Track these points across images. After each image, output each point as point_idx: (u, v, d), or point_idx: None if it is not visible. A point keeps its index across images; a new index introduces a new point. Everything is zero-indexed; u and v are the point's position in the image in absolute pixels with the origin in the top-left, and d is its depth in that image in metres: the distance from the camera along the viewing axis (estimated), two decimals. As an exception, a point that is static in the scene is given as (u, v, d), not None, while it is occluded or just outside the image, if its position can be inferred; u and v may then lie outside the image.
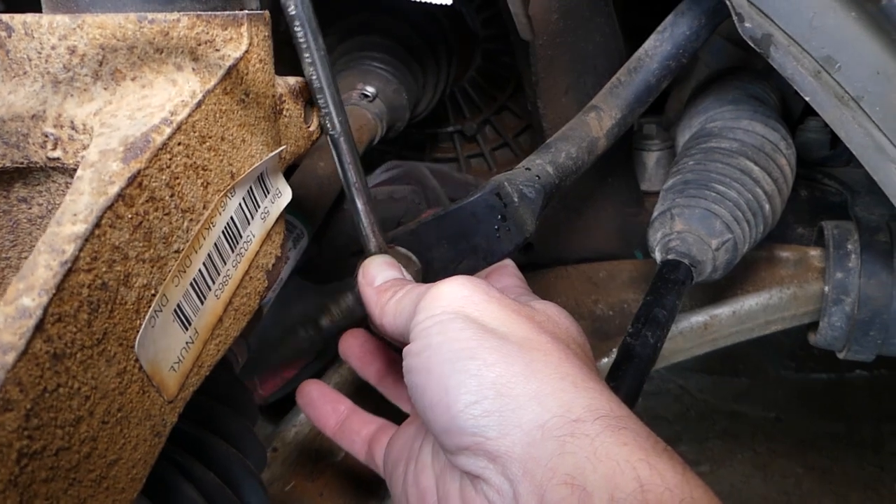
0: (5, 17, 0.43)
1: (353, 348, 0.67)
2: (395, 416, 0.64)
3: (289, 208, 0.54)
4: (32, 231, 0.48)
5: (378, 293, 0.54)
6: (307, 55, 0.48)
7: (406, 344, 0.50)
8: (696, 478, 0.41)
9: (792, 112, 1.04)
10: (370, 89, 0.92)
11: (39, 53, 0.43)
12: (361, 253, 0.60)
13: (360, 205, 0.56)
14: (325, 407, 0.65)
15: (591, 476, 0.39)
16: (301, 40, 0.47)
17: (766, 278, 0.91)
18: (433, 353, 0.46)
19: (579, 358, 0.47)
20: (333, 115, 0.51)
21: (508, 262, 0.64)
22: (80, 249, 0.35)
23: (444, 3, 0.60)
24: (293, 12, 0.46)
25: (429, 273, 0.63)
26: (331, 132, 0.52)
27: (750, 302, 0.90)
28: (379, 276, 0.56)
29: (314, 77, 0.49)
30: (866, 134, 0.63)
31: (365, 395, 0.69)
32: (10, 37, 0.43)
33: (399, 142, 1.29)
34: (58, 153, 0.43)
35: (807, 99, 0.64)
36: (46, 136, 0.43)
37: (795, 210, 0.97)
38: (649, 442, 0.42)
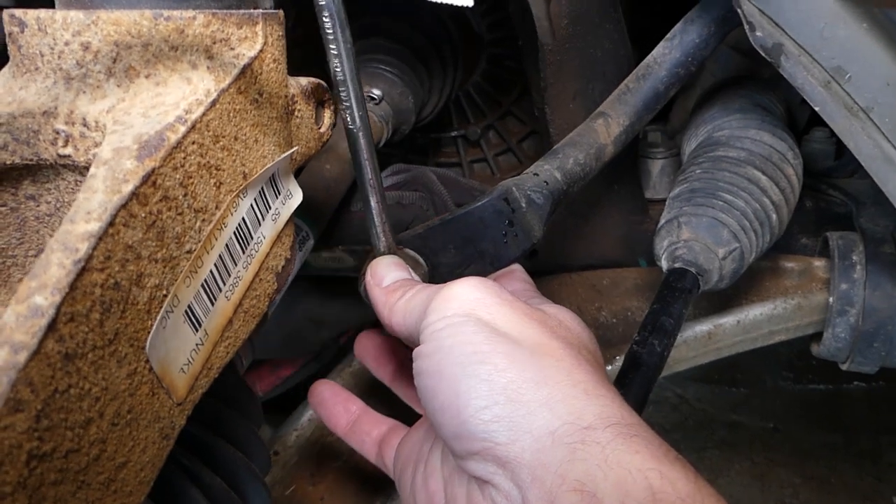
0: (18, 12, 0.43)
1: (369, 349, 0.67)
2: (407, 416, 0.63)
3: (295, 210, 0.53)
4: (40, 229, 0.47)
5: (387, 293, 0.54)
6: (333, 47, 0.47)
7: (415, 344, 0.49)
8: (707, 486, 0.40)
9: (798, 122, 1.04)
10: (376, 92, 0.92)
11: (52, 49, 0.43)
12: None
13: (373, 203, 0.55)
14: (336, 407, 0.65)
15: (602, 483, 0.39)
16: (329, 32, 0.46)
17: (771, 288, 0.90)
18: (444, 355, 0.46)
19: (591, 364, 0.47)
20: (354, 109, 0.50)
21: (517, 266, 0.64)
22: (94, 248, 0.34)
23: (465, 4, 0.59)
24: (322, 2, 0.45)
25: (435, 277, 0.63)
26: (350, 126, 0.51)
27: (754, 312, 0.89)
28: (388, 276, 0.55)
29: (338, 69, 0.48)
30: (875, 145, 0.63)
31: (376, 394, 0.69)
32: (22, 32, 0.43)
33: (403, 145, 1.29)
34: (69, 150, 0.42)
35: (816, 109, 0.64)
36: (57, 133, 0.42)
37: (800, 220, 0.96)
38: (661, 450, 0.41)
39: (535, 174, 0.67)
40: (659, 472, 0.39)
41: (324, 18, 0.46)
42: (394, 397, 0.66)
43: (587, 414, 0.42)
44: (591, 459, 0.40)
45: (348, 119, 0.51)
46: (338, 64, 0.48)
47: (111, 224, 0.35)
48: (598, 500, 0.39)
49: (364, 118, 0.51)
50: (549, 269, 1.00)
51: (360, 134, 0.51)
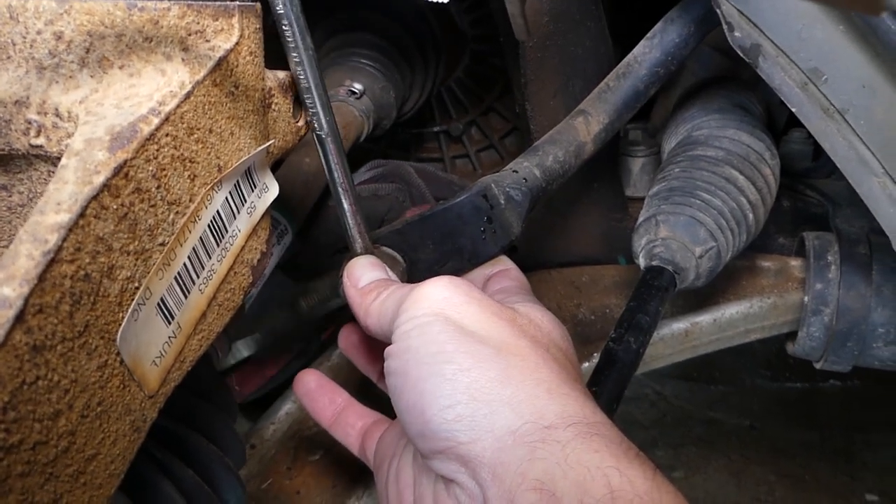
0: (-10, 0, 0.42)
1: (356, 346, 0.67)
2: (390, 409, 0.63)
3: (273, 204, 0.53)
4: (12, 220, 0.47)
5: (362, 294, 0.54)
6: (295, 55, 0.48)
7: (391, 344, 0.49)
8: (666, 483, 0.41)
9: (776, 123, 1.05)
10: (358, 86, 0.92)
11: (24, 38, 0.42)
12: (346, 250, 0.59)
13: (346, 205, 0.55)
14: (322, 398, 0.65)
15: (561, 482, 0.39)
16: (289, 39, 0.47)
17: (747, 287, 0.91)
18: (411, 355, 0.46)
19: (558, 363, 0.47)
20: (321, 114, 0.51)
21: (512, 265, 0.64)
22: (64, 239, 0.34)
23: (438, 0, 0.59)
24: (281, 11, 0.46)
25: (413, 274, 0.63)
26: (318, 132, 0.52)
27: (731, 310, 0.90)
28: (363, 277, 0.56)
29: (302, 77, 0.49)
30: (850, 147, 0.64)
31: (358, 388, 0.69)
32: (-6, 20, 0.42)
33: (384, 140, 1.29)
34: (41, 140, 0.42)
35: (793, 110, 0.65)
36: (30, 123, 0.42)
37: (777, 220, 0.97)
38: (621, 448, 0.42)
39: (515, 171, 0.67)
40: (618, 471, 0.40)
41: (283, 26, 0.46)
42: (377, 390, 0.66)
43: (549, 413, 0.43)
44: (550, 458, 0.40)
45: (316, 125, 0.51)
46: (301, 71, 0.48)
47: (82, 215, 0.35)
48: (557, 499, 0.39)
49: (331, 123, 0.51)
50: (528, 266, 1.00)
51: (329, 139, 0.52)
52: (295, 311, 0.81)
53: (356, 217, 0.56)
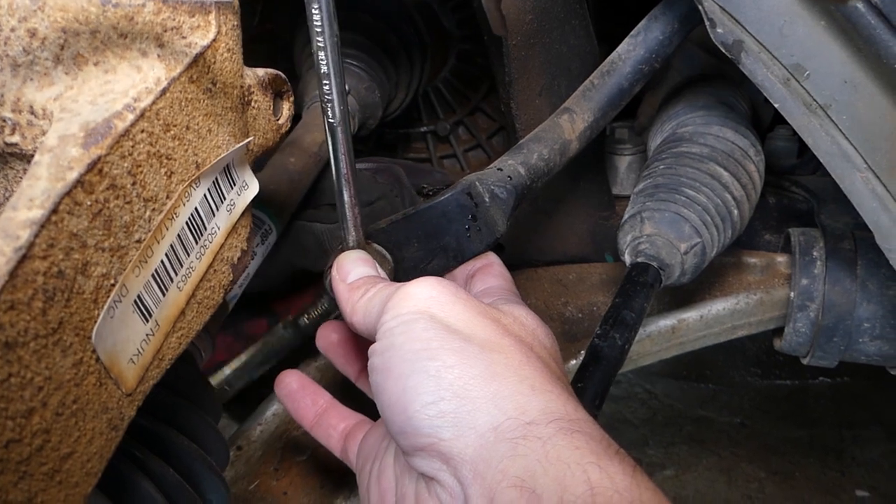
0: (-37, -3, 0.42)
1: (334, 343, 0.66)
2: (374, 410, 0.63)
3: (258, 204, 0.53)
4: (-11, 218, 0.46)
5: (350, 290, 0.54)
6: (320, 39, 0.47)
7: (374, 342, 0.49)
8: (646, 480, 0.41)
9: (762, 120, 1.05)
10: (343, 86, 0.91)
11: (-2, 36, 0.42)
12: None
13: (346, 197, 0.55)
14: (304, 400, 0.64)
15: (542, 479, 0.39)
16: (317, 22, 0.46)
17: (734, 283, 0.91)
18: (395, 353, 0.46)
19: (542, 360, 0.47)
20: (336, 103, 0.50)
21: (496, 260, 0.64)
22: (36, 235, 0.34)
23: (423, -2, 0.60)
24: None
25: (399, 272, 0.63)
26: (330, 120, 0.51)
27: (717, 306, 0.90)
28: (353, 272, 0.55)
29: (323, 62, 0.48)
30: (833, 142, 0.64)
31: (343, 388, 0.68)
32: (-32, 18, 0.42)
33: (371, 140, 1.28)
34: (15, 138, 0.42)
35: (776, 106, 0.65)
36: (4, 121, 0.42)
37: (763, 217, 0.98)
38: (601, 445, 0.42)
39: (499, 169, 0.67)
40: (598, 467, 0.40)
41: (313, 9, 0.46)
42: (360, 392, 0.66)
43: (531, 409, 0.43)
44: (531, 455, 0.40)
45: (329, 113, 0.51)
46: (323, 57, 0.48)
47: (54, 211, 0.35)
48: (538, 496, 0.39)
49: (344, 112, 0.51)
50: (515, 265, 1.00)
51: (339, 128, 0.52)
52: (297, 329, 0.81)
53: (353, 210, 0.56)
